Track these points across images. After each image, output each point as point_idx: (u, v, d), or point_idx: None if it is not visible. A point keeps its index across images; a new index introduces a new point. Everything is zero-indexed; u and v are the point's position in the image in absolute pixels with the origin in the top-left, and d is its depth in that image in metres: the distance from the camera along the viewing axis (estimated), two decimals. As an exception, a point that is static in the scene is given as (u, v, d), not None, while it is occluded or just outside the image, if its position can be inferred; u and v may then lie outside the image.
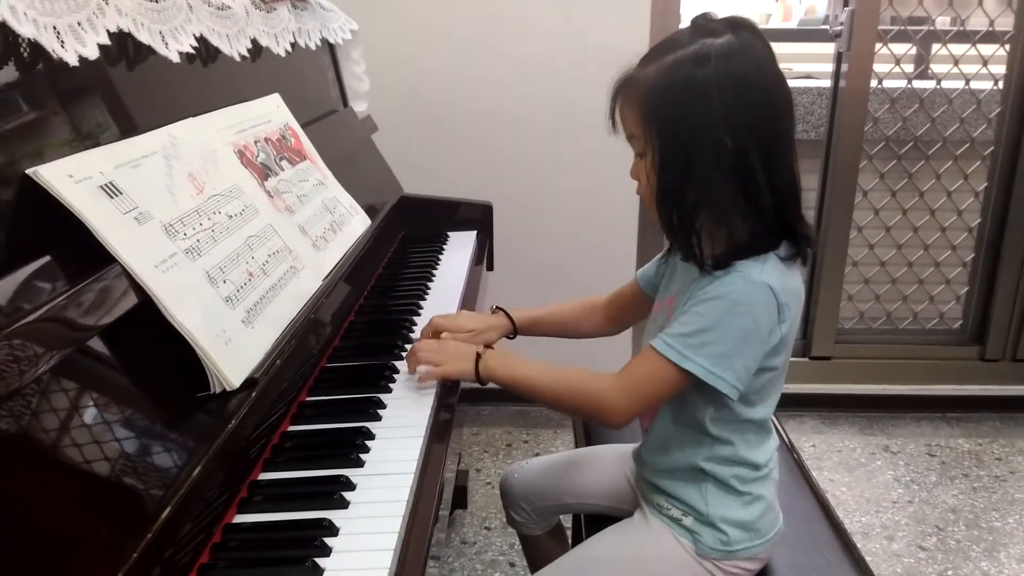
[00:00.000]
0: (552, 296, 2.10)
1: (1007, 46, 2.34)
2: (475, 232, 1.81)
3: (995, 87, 2.39)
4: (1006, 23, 2.33)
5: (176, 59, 1.02)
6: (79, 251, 0.76)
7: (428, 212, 1.82)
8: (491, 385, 1.09)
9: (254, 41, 1.28)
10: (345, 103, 1.79)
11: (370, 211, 1.49)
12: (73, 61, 0.82)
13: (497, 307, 1.29)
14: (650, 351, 0.97)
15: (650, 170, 0.95)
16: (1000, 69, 2.37)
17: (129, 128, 0.93)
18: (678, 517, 1.07)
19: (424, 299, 1.42)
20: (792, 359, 2.54)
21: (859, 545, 1.19)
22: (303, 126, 1.37)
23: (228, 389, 0.83)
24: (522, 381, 1.07)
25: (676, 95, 0.91)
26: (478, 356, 1.09)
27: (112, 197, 0.80)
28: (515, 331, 1.28)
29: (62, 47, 0.81)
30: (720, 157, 0.91)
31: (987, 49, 2.36)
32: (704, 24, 0.94)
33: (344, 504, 0.83)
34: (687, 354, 0.94)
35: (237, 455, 0.85)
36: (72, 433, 0.68)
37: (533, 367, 1.07)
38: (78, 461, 0.67)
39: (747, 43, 0.92)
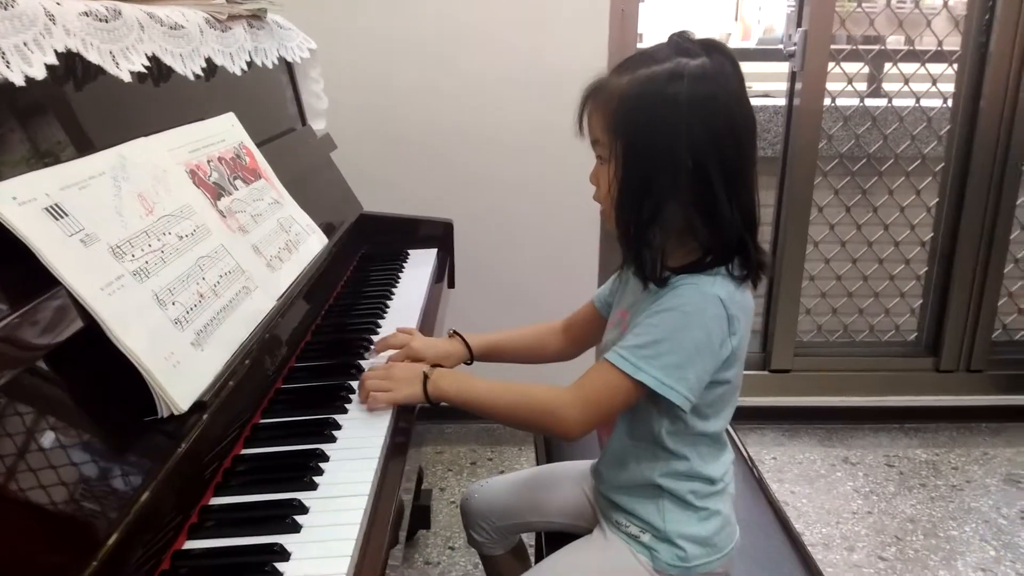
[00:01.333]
0: (514, 313, 2.10)
1: (955, 65, 2.40)
2: (436, 250, 1.81)
3: (944, 105, 2.46)
4: (954, 43, 2.40)
5: (127, 79, 1.01)
6: (23, 273, 0.75)
7: (388, 230, 1.82)
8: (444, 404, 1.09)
9: (208, 60, 1.27)
10: (303, 121, 1.79)
11: (328, 230, 1.48)
12: (19, 81, 0.80)
13: (454, 331, 1.29)
14: (604, 363, 0.98)
15: (611, 179, 0.97)
16: (949, 87, 2.44)
17: (78, 148, 0.91)
18: (636, 534, 1.07)
19: (383, 318, 1.42)
20: (752, 372, 2.56)
21: (819, 556, 1.21)
22: (259, 145, 1.36)
23: (176, 413, 0.81)
24: (473, 399, 1.07)
25: (645, 108, 0.93)
26: (426, 377, 1.08)
27: (57, 219, 0.78)
28: (472, 358, 1.28)
29: (7, 67, 0.80)
30: (679, 175, 0.93)
31: (936, 68, 2.43)
32: (681, 43, 0.96)
33: (296, 528, 0.82)
34: (640, 365, 0.95)
35: (187, 480, 0.83)
36: (14, 458, 0.66)
37: (484, 384, 1.07)
38: (20, 487, 0.66)
39: (720, 67, 0.94)
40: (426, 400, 1.08)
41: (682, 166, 0.92)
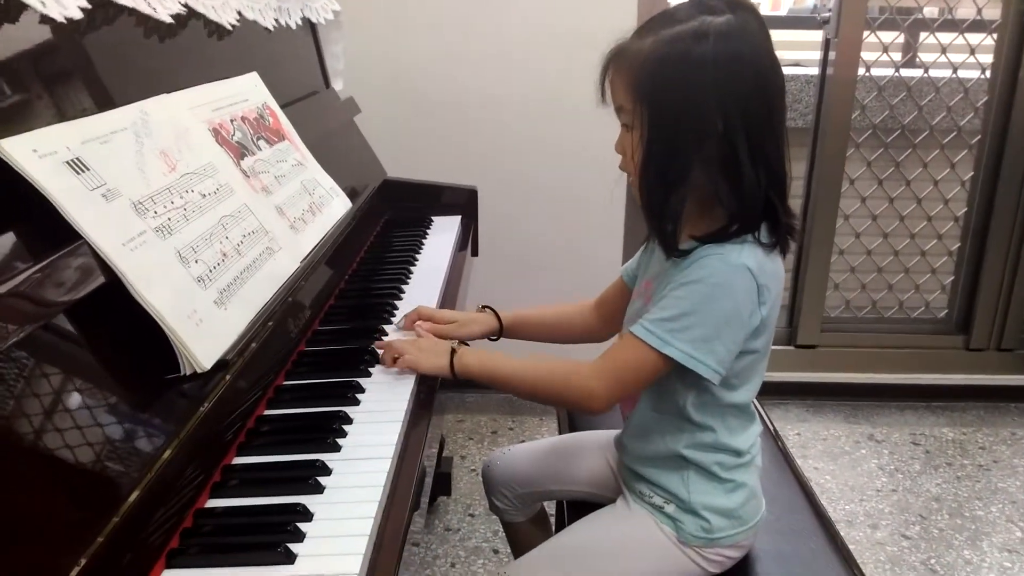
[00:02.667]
0: (538, 282, 2.08)
1: (994, 35, 2.33)
2: (459, 217, 1.79)
3: (983, 76, 2.39)
4: (994, 12, 2.32)
5: (168, 20, 0.99)
6: (44, 227, 0.74)
7: (412, 196, 1.80)
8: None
9: (240, 13, 1.25)
10: (327, 84, 1.77)
11: (352, 194, 1.46)
12: (59, 18, 0.79)
13: (484, 306, 1.27)
14: (630, 337, 0.96)
15: (636, 144, 0.93)
16: (988, 58, 2.36)
17: (100, 103, 0.90)
18: (660, 504, 1.06)
19: (407, 283, 1.40)
20: (778, 347, 2.52)
21: (843, 533, 1.19)
22: (283, 106, 1.34)
23: (199, 371, 0.81)
24: (499, 375, 1.05)
25: (671, 70, 0.90)
26: (453, 351, 1.07)
27: (79, 173, 0.77)
28: (500, 331, 1.25)
29: (43, 5, 0.79)
30: (708, 137, 0.90)
31: (975, 38, 2.35)
32: (704, 1, 0.92)
33: (319, 489, 0.81)
34: (667, 339, 0.93)
35: (210, 439, 0.83)
36: (35, 414, 0.66)
37: (509, 360, 1.06)
38: (42, 442, 0.65)
39: (745, 24, 0.90)
40: (451, 374, 1.06)
41: (710, 128, 0.89)
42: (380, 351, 1.09)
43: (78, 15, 0.83)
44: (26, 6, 0.78)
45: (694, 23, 0.90)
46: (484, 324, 1.23)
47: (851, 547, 1.14)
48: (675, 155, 0.92)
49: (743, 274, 0.92)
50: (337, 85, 1.79)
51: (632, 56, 0.93)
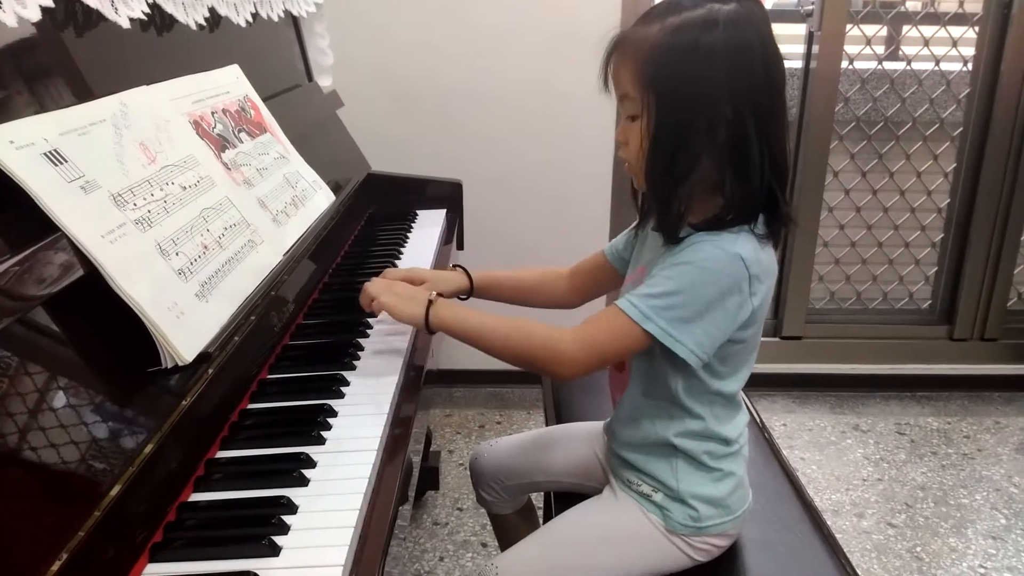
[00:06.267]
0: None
1: (976, 28, 2.34)
2: (444, 210, 1.78)
3: (964, 68, 2.40)
4: (975, 6, 2.34)
5: (126, 25, 0.98)
6: (21, 220, 0.73)
7: (396, 189, 1.79)
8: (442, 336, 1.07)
9: (212, 10, 1.24)
10: (310, 77, 1.75)
11: (336, 187, 1.45)
12: (12, 23, 0.78)
13: (456, 265, 1.26)
14: (613, 308, 0.96)
15: (643, 134, 0.92)
16: (970, 51, 2.38)
17: (78, 95, 0.89)
18: (648, 493, 1.06)
19: (391, 277, 1.39)
20: (763, 339, 2.55)
21: (829, 522, 1.19)
22: (265, 99, 1.33)
23: (180, 364, 0.80)
24: (473, 328, 1.03)
25: (681, 58, 0.89)
26: (429, 303, 1.05)
27: (56, 165, 0.76)
28: (471, 289, 1.24)
29: (0, 9, 0.78)
30: (718, 126, 0.89)
31: (957, 31, 2.37)
32: None
33: (304, 482, 0.81)
34: (649, 315, 0.92)
35: (192, 432, 0.82)
36: (14, 409, 0.65)
37: (484, 315, 1.03)
38: (20, 437, 0.64)
39: (751, 13, 0.90)
40: (425, 325, 1.05)
41: (720, 117, 0.89)
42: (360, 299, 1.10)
43: (36, 16, 0.81)
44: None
45: (701, 11, 0.89)
46: (455, 282, 1.22)
47: (837, 536, 1.15)
48: (684, 144, 0.91)
49: (735, 262, 0.92)
50: (325, 81, 1.78)
51: (638, 43, 0.91)
